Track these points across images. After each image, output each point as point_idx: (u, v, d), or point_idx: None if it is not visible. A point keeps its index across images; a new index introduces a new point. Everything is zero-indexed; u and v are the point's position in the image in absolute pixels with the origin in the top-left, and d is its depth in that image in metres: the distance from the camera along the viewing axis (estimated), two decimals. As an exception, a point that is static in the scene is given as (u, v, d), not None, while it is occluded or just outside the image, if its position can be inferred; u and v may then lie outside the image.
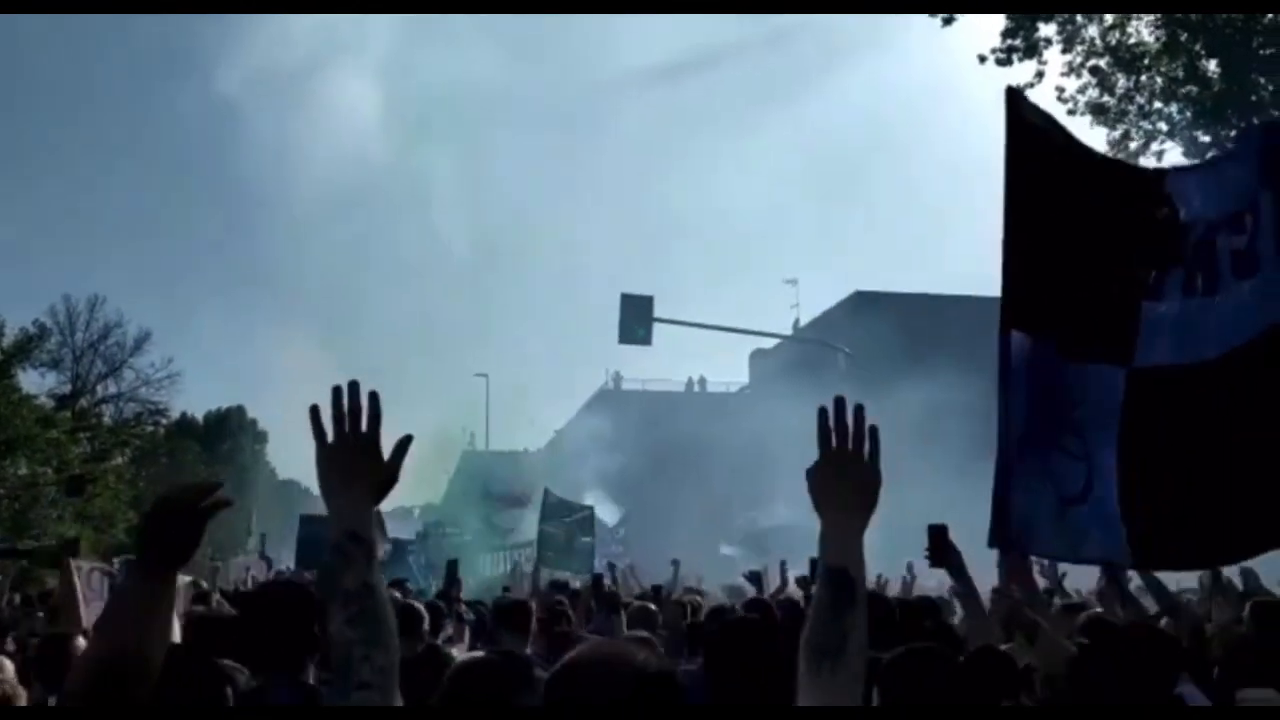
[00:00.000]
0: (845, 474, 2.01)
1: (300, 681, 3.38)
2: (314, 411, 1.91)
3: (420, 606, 5.81)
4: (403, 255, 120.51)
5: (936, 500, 8.94)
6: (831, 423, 2.02)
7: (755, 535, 17.93)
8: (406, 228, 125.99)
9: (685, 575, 13.53)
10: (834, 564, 1.95)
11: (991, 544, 4.29)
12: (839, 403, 2.02)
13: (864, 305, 36.26)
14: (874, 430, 2.02)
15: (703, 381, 49.74)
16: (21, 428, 28.76)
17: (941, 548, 4.16)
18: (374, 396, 1.91)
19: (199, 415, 54.79)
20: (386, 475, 1.91)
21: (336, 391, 1.90)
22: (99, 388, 42.29)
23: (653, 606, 7.79)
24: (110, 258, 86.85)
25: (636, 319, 25.79)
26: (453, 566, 9.22)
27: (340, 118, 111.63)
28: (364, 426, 1.90)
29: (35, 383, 35.72)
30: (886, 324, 30.17)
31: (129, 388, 42.77)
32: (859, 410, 2.03)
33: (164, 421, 45.11)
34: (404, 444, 1.95)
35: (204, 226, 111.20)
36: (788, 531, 9.44)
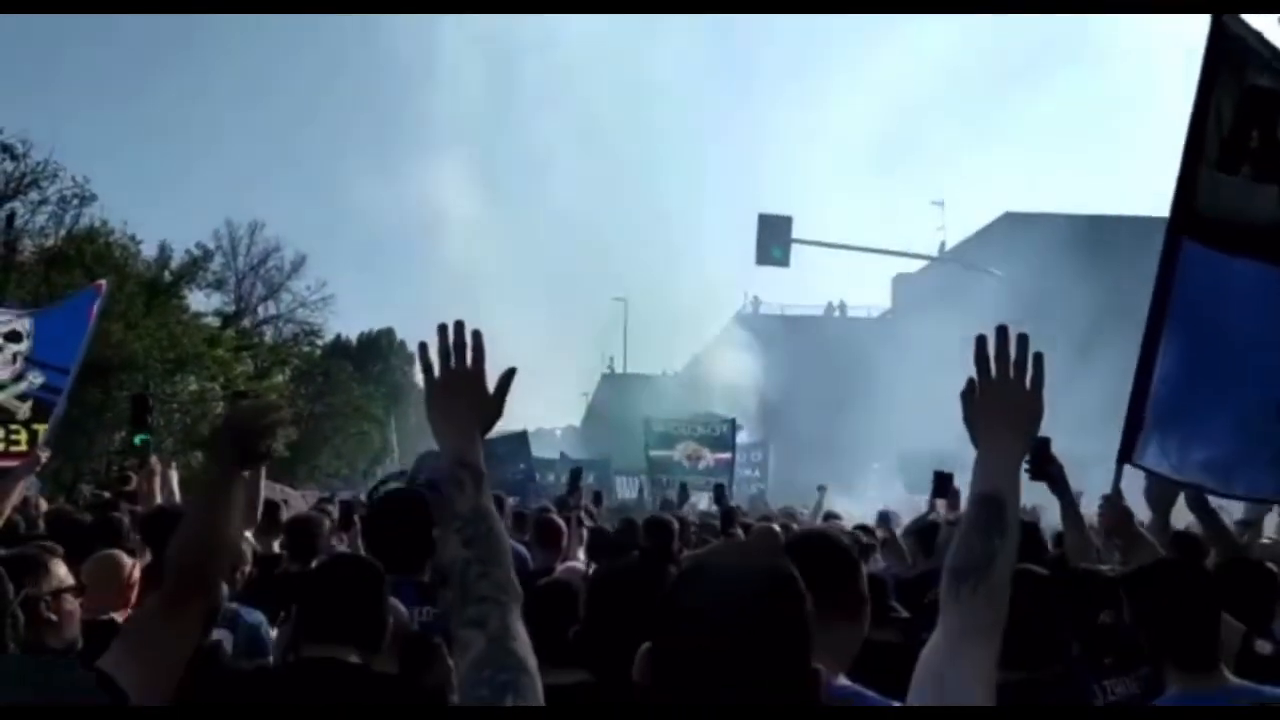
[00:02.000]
0: (1006, 402, 1.97)
1: (420, 581, 3.77)
2: (422, 348, 2.02)
3: (560, 521, 6.08)
4: (540, 170, 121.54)
5: (1086, 433, 8.53)
6: (992, 350, 1.98)
7: (906, 458, 17.60)
8: (544, 139, 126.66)
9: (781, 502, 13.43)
10: (987, 490, 1.90)
11: (1123, 460, 4.18)
12: (1001, 331, 1.99)
13: (1015, 226, 34.76)
14: (1039, 357, 1.98)
15: (843, 306, 48.98)
16: (190, 346, 30.43)
17: (1045, 461, 4.14)
18: (477, 334, 1.99)
19: (352, 337, 57.07)
20: (492, 409, 1.99)
21: (442, 328, 1.99)
22: (260, 309, 44.49)
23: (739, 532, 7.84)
24: (267, 179, 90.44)
25: (774, 240, 25.44)
26: (576, 474, 9.00)
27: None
28: (469, 362, 1.98)
29: (201, 303, 37.77)
30: (1038, 246, 28.78)
31: (287, 309, 44.85)
32: (1023, 337, 1.99)
33: (319, 342, 47.11)
34: (507, 378, 2.02)
35: (352, 149, 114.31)
36: (937, 459, 9.16)
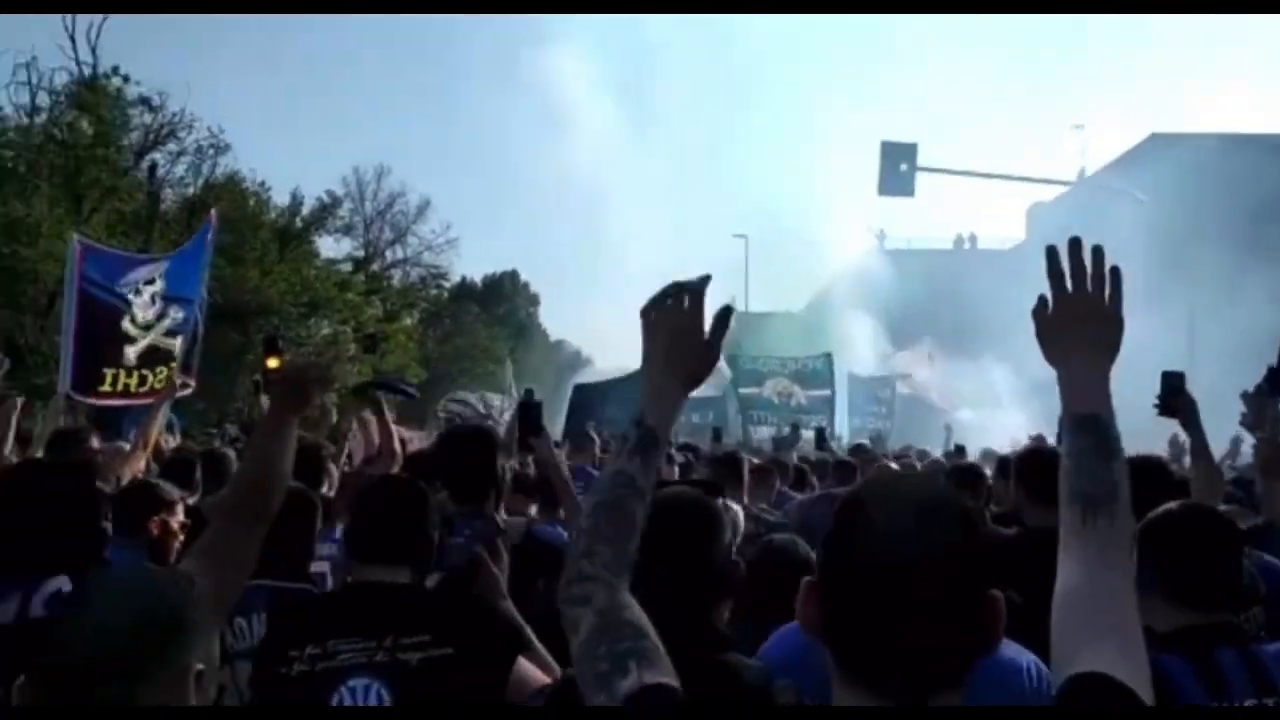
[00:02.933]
0: (1085, 319, 1.80)
1: (486, 515, 3.73)
2: (677, 289, 1.82)
3: None
4: (660, 103, 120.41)
5: (1236, 362, 8.00)
6: (1066, 264, 1.81)
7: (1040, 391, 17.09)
8: (666, 72, 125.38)
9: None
10: (1082, 410, 1.75)
11: (1272, 391, 4.04)
12: (1074, 242, 1.82)
13: (1161, 149, 32.77)
14: (1115, 271, 1.80)
15: (973, 239, 47.41)
16: (322, 291, 31.46)
17: (1178, 395, 3.95)
18: (701, 283, 1.82)
19: (477, 279, 58.02)
20: (706, 361, 1.82)
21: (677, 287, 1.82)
22: (387, 253, 45.54)
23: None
24: (393, 126, 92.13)
25: (898, 168, 24.58)
26: None
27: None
28: (687, 306, 1.81)
29: (331, 248, 38.84)
30: (1187, 168, 27.09)
31: (413, 253, 45.78)
32: (1097, 250, 1.81)
33: (446, 285, 48.06)
34: (723, 319, 1.81)
35: (470, 84, 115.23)
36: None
